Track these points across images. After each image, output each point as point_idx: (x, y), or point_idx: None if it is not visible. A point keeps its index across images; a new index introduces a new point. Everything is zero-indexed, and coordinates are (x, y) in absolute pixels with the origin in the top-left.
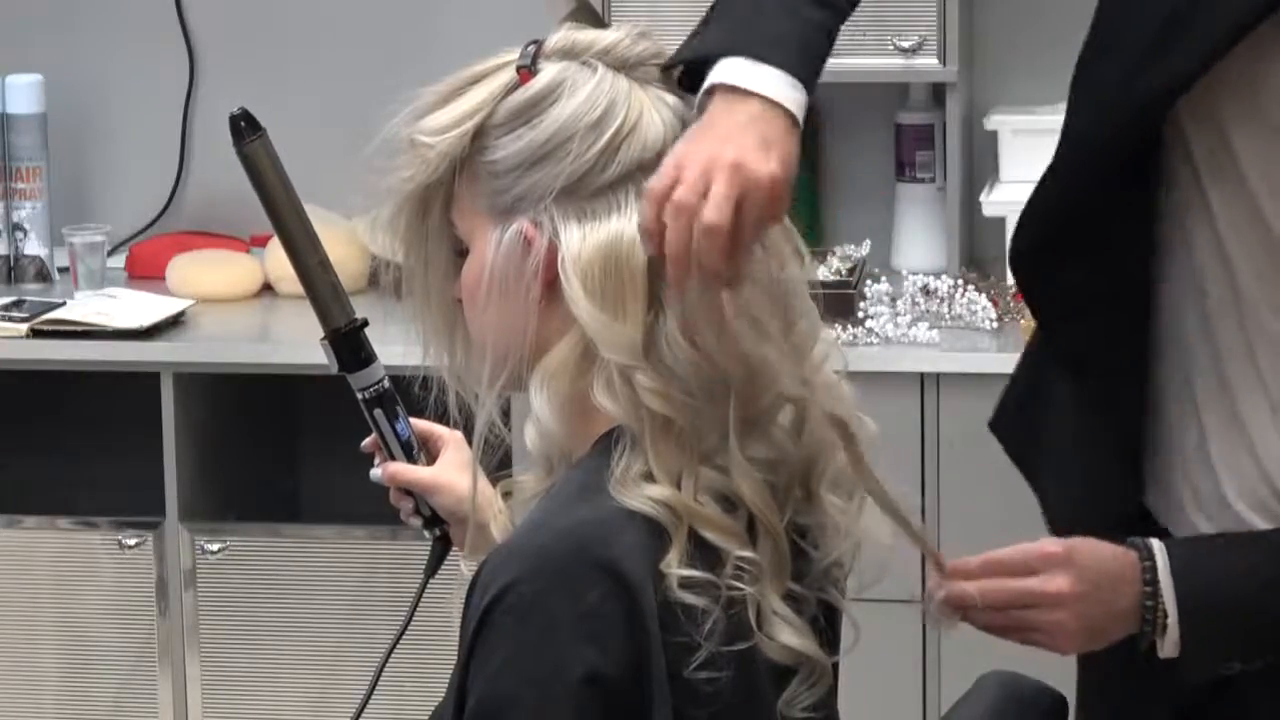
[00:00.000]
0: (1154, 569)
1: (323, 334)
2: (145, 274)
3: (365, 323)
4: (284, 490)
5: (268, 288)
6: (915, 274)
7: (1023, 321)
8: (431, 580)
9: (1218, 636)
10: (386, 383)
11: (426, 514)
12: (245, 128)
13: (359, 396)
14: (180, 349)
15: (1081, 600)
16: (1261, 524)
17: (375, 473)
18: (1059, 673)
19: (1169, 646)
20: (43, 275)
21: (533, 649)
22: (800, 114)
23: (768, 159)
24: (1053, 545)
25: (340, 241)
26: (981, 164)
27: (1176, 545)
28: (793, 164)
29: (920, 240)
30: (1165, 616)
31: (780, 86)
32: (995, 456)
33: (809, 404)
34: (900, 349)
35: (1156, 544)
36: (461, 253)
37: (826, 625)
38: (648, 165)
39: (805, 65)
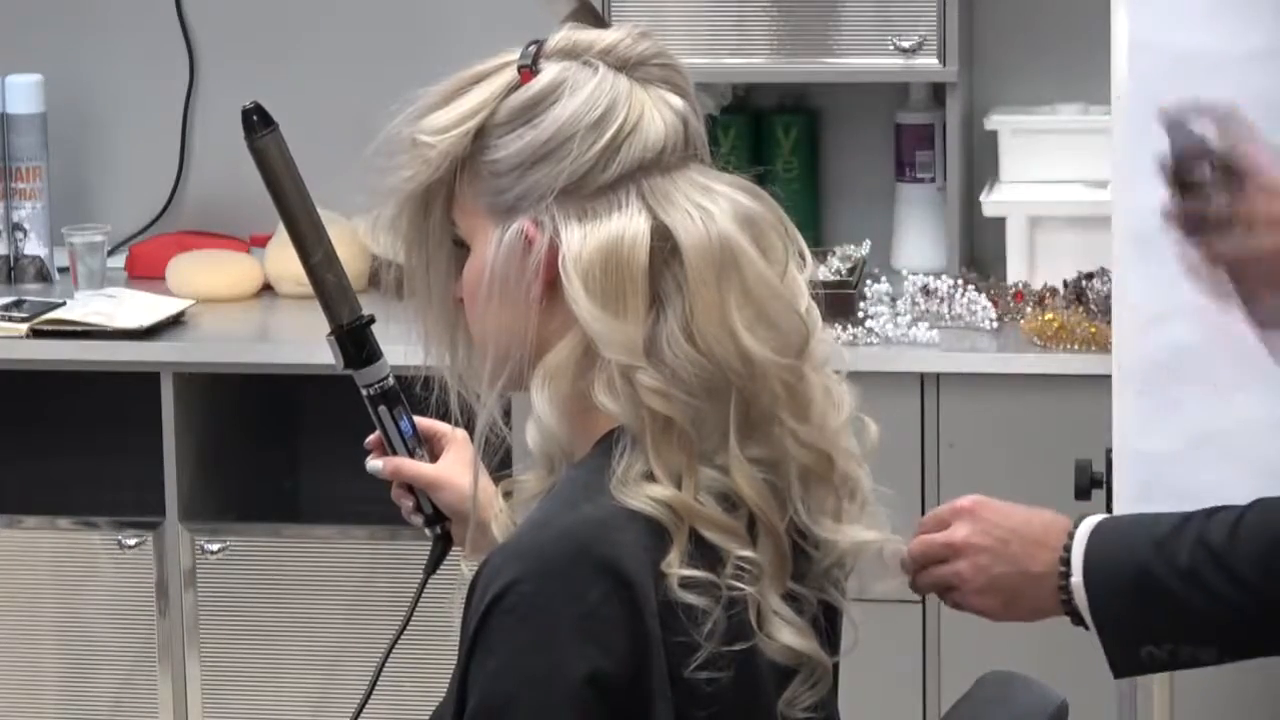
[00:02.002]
0: (1072, 536)
1: (329, 330)
2: (145, 274)
3: (372, 319)
4: (284, 490)
5: (268, 288)
6: (915, 274)
7: (1022, 321)
8: (431, 579)
9: (1124, 613)
10: (391, 380)
11: (428, 512)
12: (258, 121)
13: (364, 393)
14: (180, 349)
15: (981, 552)
16: None
17: (374, 464)
18: (1059, 673)
19: (1090, 624)
20: (43, 275)
21: (533, 649)
22: None
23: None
24: (966, 499)
25: (341, 241)
26: (981, 164)
27: (1111, 518)
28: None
29: (920, 240)
30: (1073, 581)
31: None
32: (995, 456)
33: (809, 406)
34: (900, 349)
35: (1091, 518)
36: (463, 252)
37: (827, 625)
38: (649, 165)
39: None
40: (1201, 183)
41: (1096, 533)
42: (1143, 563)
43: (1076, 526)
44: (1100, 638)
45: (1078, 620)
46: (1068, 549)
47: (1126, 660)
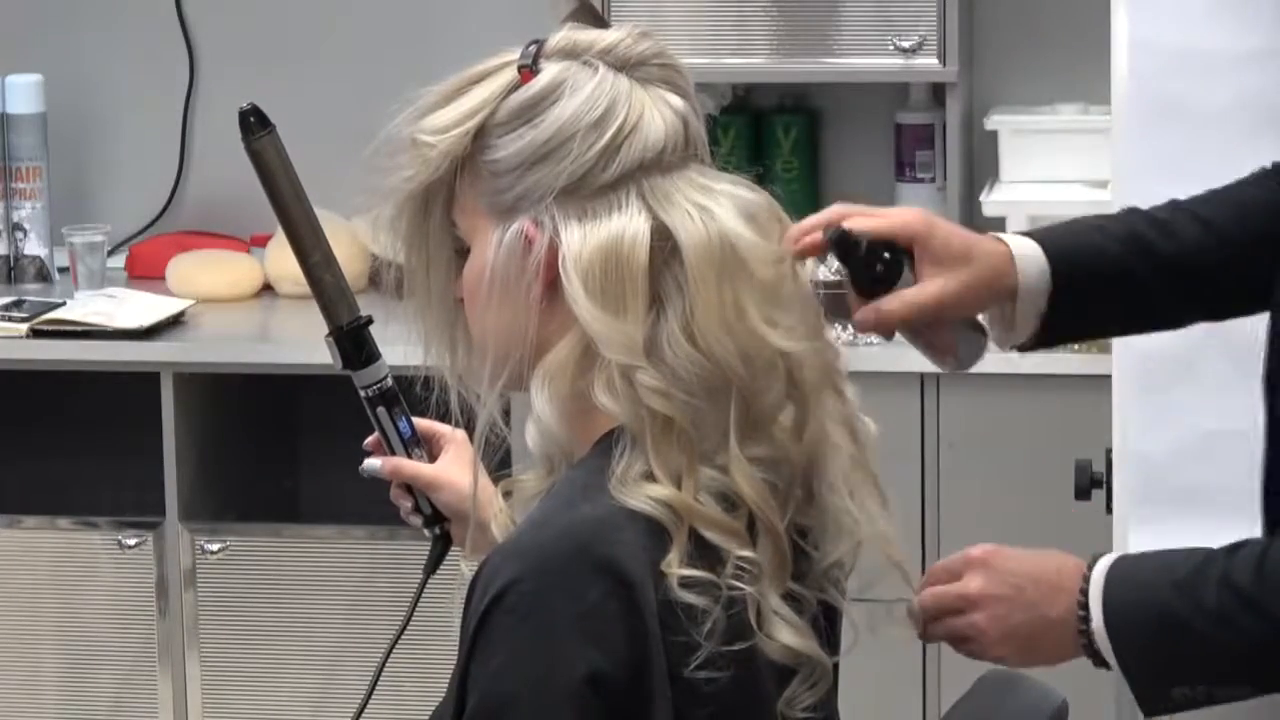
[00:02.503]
0: (1089, 579)
1: (327, 331)
2: (145, 274)
3: (370, 320)
4: (284, 490)
5: (268, 288)
6: None
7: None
8: (431, 579)
9: (1150, 656)
10: (390, 381)
11: (427, 512)
12: (255, 123)
13: (362, 394)
14: (180, 349)
15: (998, 602)
16: None
17: (373, 464)
18: (1059, 673)
19: (1116, 668)
20: (43, 275)
21: (533, 648)
22: None
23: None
24: (977, 549)
25: (341, 241)
26: (981, 164)
27: (1125, 558)
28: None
29: None
30: (1093, 625)
31: None
32: (995, 456)
33: (810, 403)
34: (900, 349)
35: (1106, 558)
36: (463, 252)
37: (827, 625)
38: (649, 164)
39: None
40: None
41: (1113, 574)
42: (1165, 605)
43: (1090, 566)
44: (1128, 680)
45: (1100, 662)
46: (1084, 592)
47: (1157, 700)
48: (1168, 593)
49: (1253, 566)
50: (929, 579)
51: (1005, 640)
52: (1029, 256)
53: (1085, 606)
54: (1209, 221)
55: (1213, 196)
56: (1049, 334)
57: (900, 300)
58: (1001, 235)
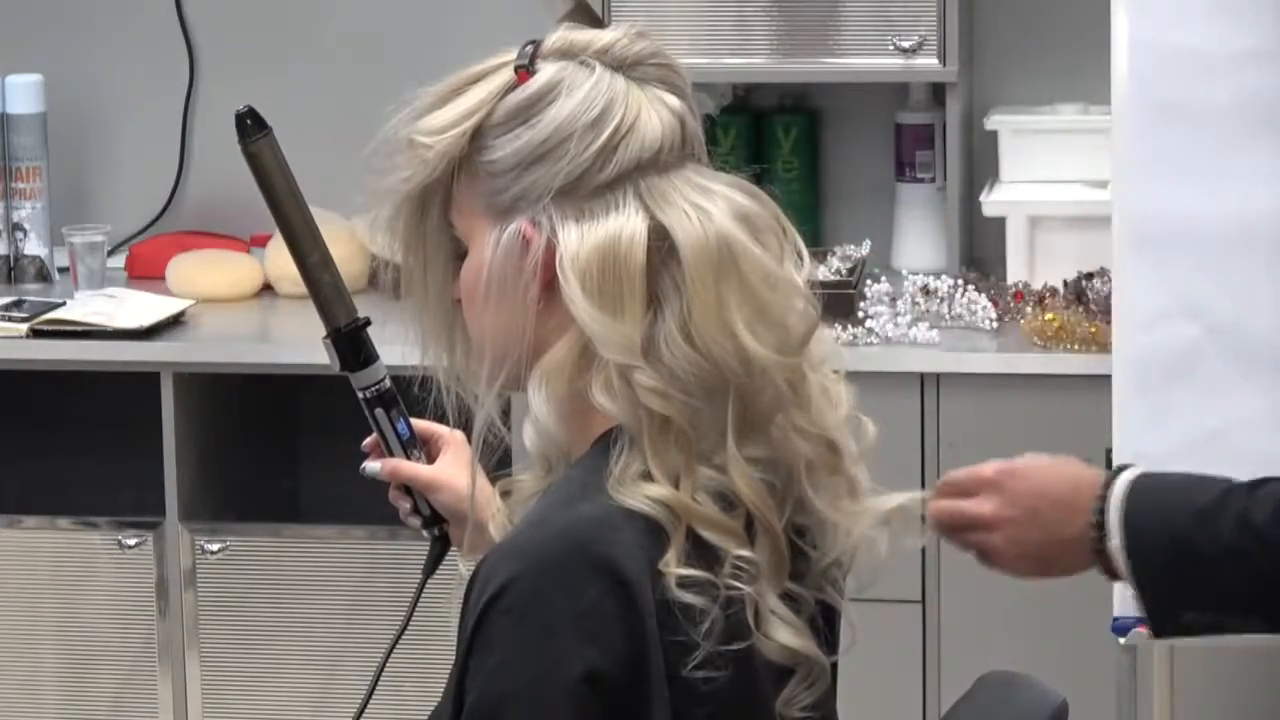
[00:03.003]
0: (1105, 499)
1: (325, 333)
2: (145, 274)
3: (367, 322)
4: (284, 490)
5: (268, 288)
6: (915, 274)
7: (1022, 322)
8: (430, 580)
9: (1165, 579)
10: (388, 382)
11: (425, 513)
12: (251, 125)
13: (360, 396)
14: (180, 349)
15: (1011, 524)
16: None
17: (372, 466)
18: (1059, 673)
19: (1128, 585)
20: (43, 275)
21: (531, 647)
22: None
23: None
24: (989, 468)
25: (339, 241)
26: (981, 164)
27: (1145, 478)
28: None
29: (920, 240)
30: (1111, 544)
31: None
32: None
33: (809, 403)
34: (900, 349)
35: (1126, 474)
36: (460, 253)
37: (825, 625)
38: (646, 164)
39: None
40: None
41: (1134, 494)
42: (1184, 534)
43: (1107, 485)
44: (1141, 599)
45: (1113, 576)
46: (1100, 511)
47: (1168, 622)
48: (1187, 520)
49: (1272, 506)
50: (940, 491)
51: (1021, 559)
52: None
53: (1100, 526)
54: None
55: None
56: None
57: None
58: None
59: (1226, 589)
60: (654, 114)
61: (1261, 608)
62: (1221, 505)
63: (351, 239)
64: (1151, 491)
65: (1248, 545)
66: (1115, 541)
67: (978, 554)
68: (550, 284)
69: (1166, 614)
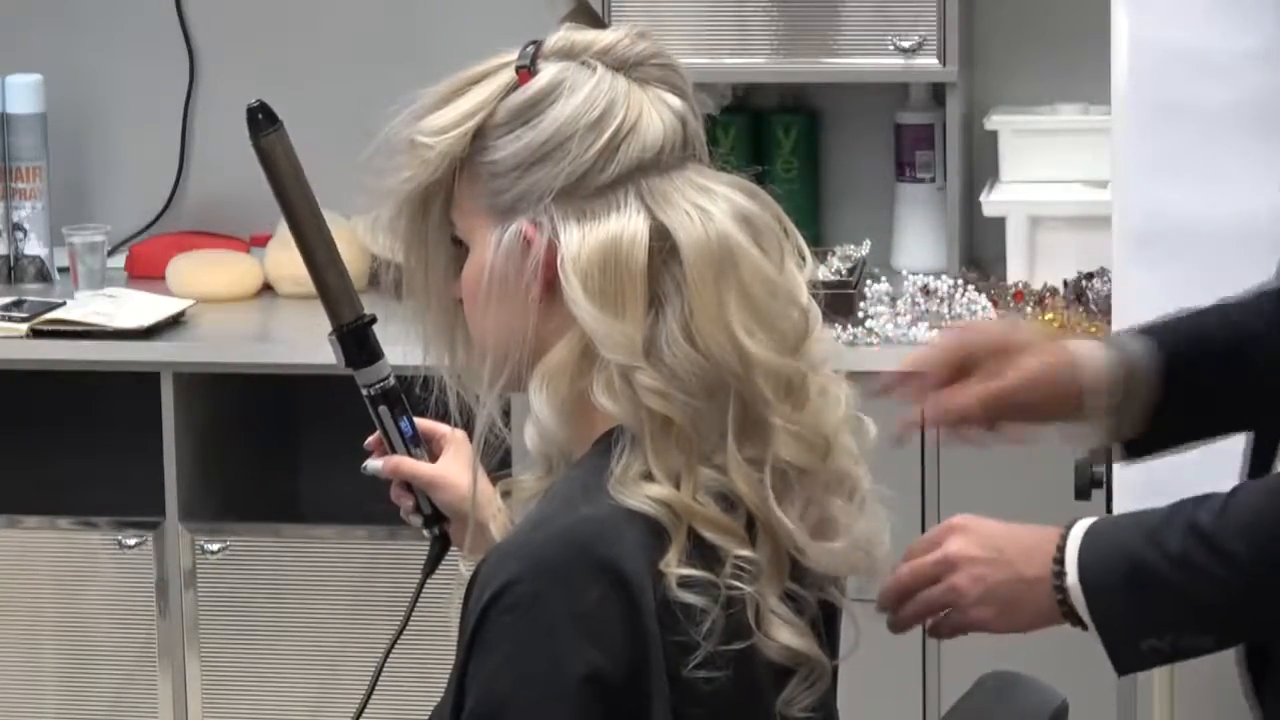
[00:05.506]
0: (1066, 537)
1: (330, 329)
2: (145, 274)
3: (373, 319)
4: (284, 490)
5: (268, 288)
6: (915, 274)
7: (1022, 322)
8: (431, 579)
9: (1121, 607)
10: (392, 380)
11: (427, 512)
12: (263, 119)
13: (364, 393)
14: (180, 349)
15: (976, 563)
16: None
17: (374, 463)
18: (1059, 673)
19: (1089, 623)
20: (43, 275)
21: (531, 648)
22: None
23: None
24: (956, 518)
25: (341, 241)
26: (981, 164)
27: (1101, 520)
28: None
29: (920, 240)
30: (1069, 581)
31: None
32: (995, 457)
33: (809, 403)
34: (900, 349)
35: (1084, 520)
36: (462, 253)
37: (826, 626)
38: (647, 165)
39: None
40: None
41: (1090, 532)
42: (1135, 553)
43: (1068, 528)
44: (1100, 635)
45: (1076, 622)
46: (1061, 549)
47: (1128, 656)
48: (1138, 541)
49: (1217, 510)
50: (908, 553)
51: (984, 601)
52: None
53: (1061, 563)
54: None
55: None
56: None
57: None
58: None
59: (1177, 602)
60: (655, 114)
61: (1212, 620)
62: (1170, 518)
63: (352, 239)
64: (1108, 523)
65: (1192, 549)
66: (1072, 578)
67: (938, 610)
68: (551, 284)
69: (1125, 646)
